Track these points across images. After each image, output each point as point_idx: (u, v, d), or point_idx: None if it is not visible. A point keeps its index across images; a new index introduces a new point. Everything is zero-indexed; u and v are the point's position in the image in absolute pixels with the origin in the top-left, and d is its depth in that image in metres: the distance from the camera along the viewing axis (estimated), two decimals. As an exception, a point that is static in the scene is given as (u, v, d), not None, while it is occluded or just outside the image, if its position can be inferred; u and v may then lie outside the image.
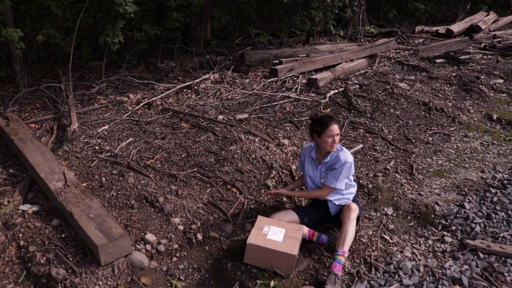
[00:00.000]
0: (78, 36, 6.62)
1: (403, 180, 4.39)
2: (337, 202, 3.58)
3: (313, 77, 6.83)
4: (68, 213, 3.34)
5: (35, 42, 6.45)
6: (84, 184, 3.89)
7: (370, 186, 4.22)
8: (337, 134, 3.46)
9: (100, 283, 2.94)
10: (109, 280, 2.97)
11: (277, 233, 3.22)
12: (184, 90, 6.59)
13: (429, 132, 5.49)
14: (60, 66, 7.14)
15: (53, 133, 4.95)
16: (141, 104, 5.89)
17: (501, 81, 7.42)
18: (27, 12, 6.21)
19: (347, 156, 3.49)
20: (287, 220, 3.45)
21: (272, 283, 3.02)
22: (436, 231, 3.73)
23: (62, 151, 4.52)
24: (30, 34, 6.32)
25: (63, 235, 3.31)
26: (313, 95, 6.43)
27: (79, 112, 5.52)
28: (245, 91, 6.55)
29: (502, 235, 3.58)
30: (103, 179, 4.03)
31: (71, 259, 3.08)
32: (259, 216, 3.43)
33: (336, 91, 6.52)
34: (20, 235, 3.29)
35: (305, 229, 3.42)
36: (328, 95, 6.30)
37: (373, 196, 4.10)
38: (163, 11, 8.41)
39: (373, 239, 3.58)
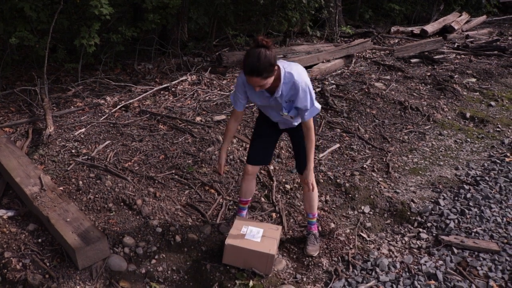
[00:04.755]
0: (53, 39, 6.54)
1: (380, 179, 4.45)
2: (288, 123, 3.21)
3: (291, 77, 6.85)
4: (44, 218, 3.31)
5: (8, 45, 6.35)
6: (61, 188, 3.85)
7: (347, 185, 4.27)
8: (260, 86, 2.75)
9: (78, 287, 2.92)
10: (87, 284, 2.95)
11: (255, 233, 3.23)
12: (162, 92, 6.56)
13: (405, 131, 5.58)
14: (35, 69, 7.03)
15: (29, 137, 4.88)
16: (118, 107, 5.84)
17: (474, 80, 7.58)
18: (-1, 14, 6.11)
19: (301, 78, 2.86)
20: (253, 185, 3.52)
21: (251, 283, 3.04)
22: (412, 228, 3.80)
23: (37, 155, 4.47)
24: (3, 37, 6.21)
25: (39, 240, 3.28)
26: (290, 95, 6.46)
27: (55, 115, 5.45)
28: (222, 93, 6.55)
29: (475, 230, 3.67)
30: (80, 182, 3.99)
31: (48, 264, 3.05)
32: (237, 217, 3.45)
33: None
34: (-5, 241, 3.24)
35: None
36: (305, 95, 6.33)
37: (350, 195, 4.15)
38: (139, 12, 8.35)
39: (351, 237, 3.63)
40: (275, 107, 3.03)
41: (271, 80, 2.74)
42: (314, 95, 2.95)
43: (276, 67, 2.74)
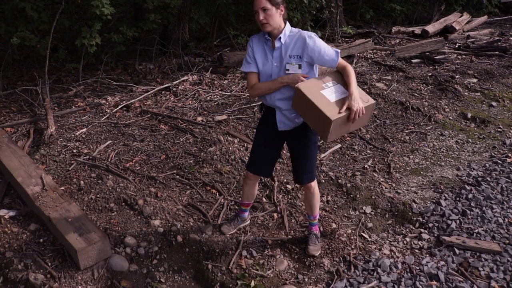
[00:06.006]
0: (54, 39, 6.54)
1: (381, 179, 4.45)
2: (287, 114, 3.01)
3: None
4: (46, 218, 3.31)
5: (9, 45, 6.35)
6: (62, 188, 3.85)
7: (348, 185, 4.27)
8: (263, 9, 2.76)
9: (80, 287, 2.92)
10: (89, 284, 2.95)
11: (337, 93, 2.83)
12: (163, 92, 6.56)
13: (406, 131, 5.58)
14: (36, 68, 7.04)
15: (30, 136, 4.89)
16: (119, 107, 5.85)
17: (475, 80, 7.57)
18: (1, 14, 6.10)
19: (308, 32, 2.90)
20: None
21: (252, 283, 3.04)
22: (413, 228, 3.80)
23: (39, 155, 4.47)
24: (5, 37, 6.22)
25: (41, 240, 3.28)
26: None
27: (56, 115, 5.45)
28: (223, 93, 6.55)
29: (476, 231, 3.67)
30: (82, 182, 3.99)
31: (49, 264, 3.05)
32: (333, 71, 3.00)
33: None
34: (-3, 240, 3.25)
35: (369, 102, 2.90)
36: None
37: (351, 195, 4.15)
38: (140, 12, 8.36)
39: (352, 237, 3.62)
40: (279, 67, 2.91)
41: (275, 14, 2.78)
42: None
43: (282, 8, 2.82)
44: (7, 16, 6.08)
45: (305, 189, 3.31)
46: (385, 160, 4.82)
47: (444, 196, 4.20)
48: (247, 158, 4.56)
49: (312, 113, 2.75)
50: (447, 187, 4.36)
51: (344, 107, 2.74)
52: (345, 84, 2.88)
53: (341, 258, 3.39)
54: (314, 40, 2.83)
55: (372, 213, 3.97)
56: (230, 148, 4.68)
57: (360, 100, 2.81)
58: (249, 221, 3.69)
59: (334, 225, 3.74)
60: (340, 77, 2.93)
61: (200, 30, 9.25)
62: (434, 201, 4.13)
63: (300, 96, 2.78)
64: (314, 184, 3.29)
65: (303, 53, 2.85)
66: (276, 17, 2.79)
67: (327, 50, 2.85)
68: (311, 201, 3.35)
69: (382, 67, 8.16)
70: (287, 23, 2.90)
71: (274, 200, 4.02)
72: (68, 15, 6.90)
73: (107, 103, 6.01)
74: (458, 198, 4.16)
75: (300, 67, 2.87)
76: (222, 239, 3.46)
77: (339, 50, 2.90)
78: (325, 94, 2.78)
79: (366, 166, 4.68)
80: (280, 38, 2.86)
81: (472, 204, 4.04)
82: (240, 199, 3.74)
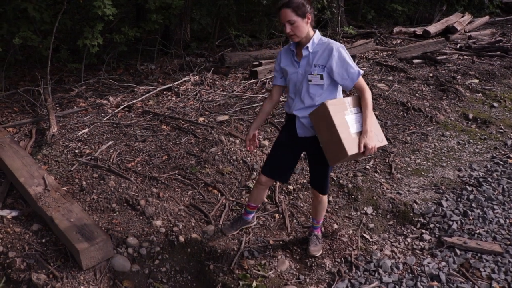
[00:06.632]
0: (56, 39, 6.55)
1: (382, 180, 4.46)
2: (305, 122, 2.96)
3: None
4: (48, 218, 3.32)
5: (12, 45, 6.37)
6: (64, 188, 3.86)
7: (350, 186, 4.27)
8: (289, 22, 2.74)
9: (82, 287, 2.93)
10: (91, 284, 2.96)
11: (358, 124, 2.81)
12: (164, 92, 6.57)
13: (407, 132, 5.58)
14: (38, 69, 7.06)
15: (32, 137, 4.90)
16: (121, 107, 5.86)
17: (476, 81, 7.57)
18: (3, 15, 6.12)
19: (337, 43, 2.85)
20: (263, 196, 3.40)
21: (254, 284, 3.05)
22: (414, 229, 3.80)
23: (41, 155, 4.48)
24: (7, 37, 6.24)
25: (43, 240, 3.29)
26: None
27: (58, 115, 5.47)
28: (225, 93, 6.56)
29: (478, 231, 3.67)
30: (84, 182, 4.00)
31: (52, 264, 3.07)
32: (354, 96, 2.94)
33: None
34: None
35: (383, 142, 2.92)
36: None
37: (353, 196, 4.16)
38: (142, 13, 8.38)
39: (353, 238, 3.63)
40: (303, 76, 2.87)
41: (302, 24, 2.74)
42: (353, 62, 2.83)
43: (309, 16, 2.76)
44: (9, 16, 6.10)
45: (314, 196, 3.30)
46: (387, 161, 4.83)
47: (445, 197, 4.20)
48: (248, 158, 4.57)
49: (330, 135, 2.73)
50: (448, 188, 4.37)
51: (361, 145, 2.74)
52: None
53: (342, 258, 3.40)
54: (340, 52, 2.78)
55: (374, 213, 3.97)
56: (232, 149, 4.69)
57: (376, 137, 2.82)
58: (255, 222, 3.68)
59: (335, 226, 3.74)
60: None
61: (201, 30, 9.26)
62: (435, 201, 4.13)
63: (323, 113, 2.73)
64: (325, 196, 3.27)
65: (327, 63, 2.80)
66: (304, 27, 2.76)
67: (350, 67, 2.79)
68: (317, 207, 3.33)
69: (383, 67, 8.16)
70: (317, 31, 2.87)
71: (276, 201, 4.03)
72: (70, 15, 6.92)
73: (109, 104, 6.03)
74: (459, 199, 4.16)
75: (322, 77, 2.82)
76: (224, 239, 3.47)
77: (362, 72, 2.83)
78: (348, 122, 2.75)
79: (367, 166, 4.69)
80: (307, 47, 2.83)
81: (474, 205, 4.04)
82: (247, 200, 3.71)
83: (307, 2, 2.75)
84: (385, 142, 2.92)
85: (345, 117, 2.74)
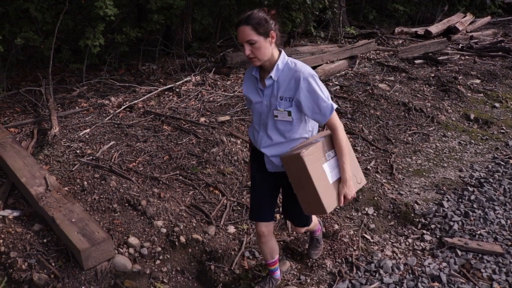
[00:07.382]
0: (58, 39, 6.56)
1: (384, 180, 4.46)
2: (274, 160, 2.59)
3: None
4: (50, 218, 3.33)
5: (13, 45, 6.38)
6: (66, 189, 3.87)
7: (351, 186, 4.27)
8: (249, 42, 2.30)
9: (83, 287, 2.94)
10: (92, 284, 2.97)
11: (334, 170, 2.49)
12: (166, 92, 6.58)
13: (409, 132, 5.58)
14: (40, 69, 7.07)
15: (34, 137, 4.91)
16: (123, 107, 5.87)
17: (478, 81, 7.57)
18: (5, 15, 6.13)
19: (305, 68, 2.40)
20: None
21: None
22: (415, 229, 3.80)
23: (43, 155, 4.49)
24: (9, 37, 6.25)
25: (45, 240, 3.30)
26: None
27: (60, 115, 5.48)
28: (226, 93, 6.57)
29: (479, 232, 3.67)
30: (85, 183, 4.01)
31: (53, 264, 3.07)
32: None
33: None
34: (1, 241, 3.26)
35: (361, 183, 2.64)
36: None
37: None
38: (144, 13, 8.38)
39: (354, 238, 3.63)
40: (269, 107, 2.49)
41: (265, 45, 2.32)
42: (326, 91, 2.43)
43: (273, 35, 2.34)
44: (11, 16, 6.11)
45: (298, 232, 3.19)
46: (388, 161, 4.83)
47: (447, 197, 4.20)
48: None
49: (306, 186, 2.42)
50: (449, 189, 4.36)
51: (341, 197, 2.48)
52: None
53: (343, 259, 3.40)
54: (309, 82, 2.36)
55: (375, 214, 3.97)
56: (233, 149, 4.70)
57: (354, 180, 2.54)
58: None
59: (336, 226, 3.75)
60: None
61: (203, 30, 9.26)
62: (436, 202, 4.13)
63: (298, 163, 2.39)
64: (308, 228, 3.02)
65: (294, 95, 2.39)
66: (266, 48, 2.33)
67: (321, 101, 2.37)
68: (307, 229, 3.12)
69: (385, 67, 8.16)
70: (283, 53, 2.44)
71: (277, 201, 4.03)
72: (71, 15, 6.92)
73: (110, 104, 6.03)
74: (460, 200, 4.16)
75: (290, 113, 2.42)
76: (225, 240, 3.47)
77: (335, 106, 2.43)
78: (326, 171, 2.44)
79: (368, 167, 4.69)
80: (271, 76, 2.42)
81: (475, 206, 4.04)
82: (262, 260, 3.29)
83: (271, 18, 2.33)
84: (363, 182, 2.68)
85: (322, 165, 2.43)
